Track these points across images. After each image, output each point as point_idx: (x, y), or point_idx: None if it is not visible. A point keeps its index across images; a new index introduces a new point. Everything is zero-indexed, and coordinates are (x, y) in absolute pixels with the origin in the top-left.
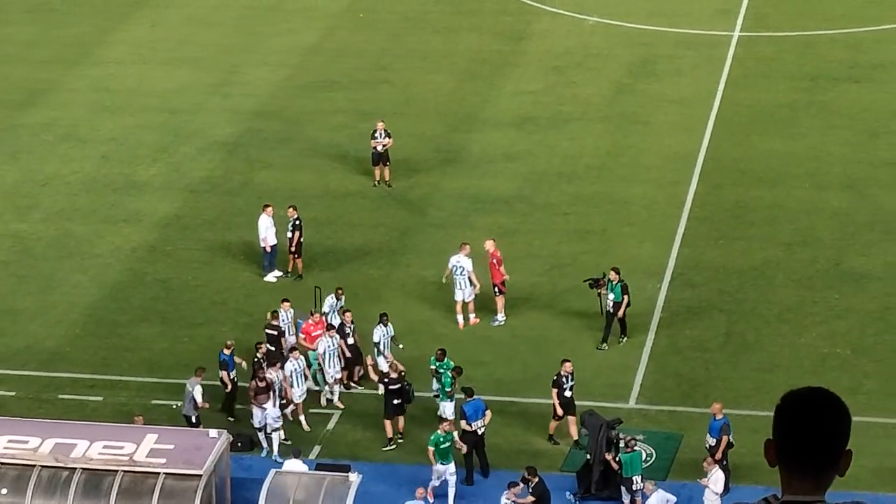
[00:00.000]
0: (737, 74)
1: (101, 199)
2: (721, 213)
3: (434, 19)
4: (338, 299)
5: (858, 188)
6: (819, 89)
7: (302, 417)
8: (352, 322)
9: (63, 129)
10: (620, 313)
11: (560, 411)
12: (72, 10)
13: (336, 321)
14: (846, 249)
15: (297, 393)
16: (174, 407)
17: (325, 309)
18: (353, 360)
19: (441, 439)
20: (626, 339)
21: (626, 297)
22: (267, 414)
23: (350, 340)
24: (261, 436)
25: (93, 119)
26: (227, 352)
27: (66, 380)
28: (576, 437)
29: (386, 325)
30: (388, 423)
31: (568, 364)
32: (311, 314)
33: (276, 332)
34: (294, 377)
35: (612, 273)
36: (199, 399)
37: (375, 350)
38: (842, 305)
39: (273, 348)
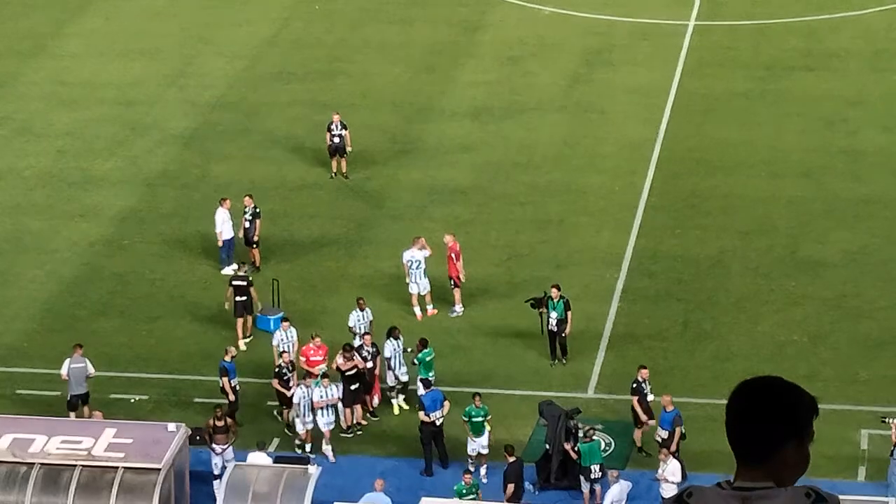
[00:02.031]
0: (692, 63)
1: (57, 194)
2: (678, 203)
3: (390, 10)
4: (361, 310)
5: (814, 177)
6: (774, 78)
7: (327, 447)
8: (372, 345)
9: (18, 123)
10: (567, 331)
11: (644, 417)
12: (25, 2)
13: (360, 340)
14: (802, 238)
15: (309, 422)
16: (132, 401)
17: (350, 324)
18: (367, 388)
19: (474, 412)
20: (566, 360)
21: (569, 312)
22: (223, 457)
23: (369, 365)
24: (216, 485)
25: (48, 113)
26: (227, 358)
27: (24, 375)
28: (639, 444)
29: (397, 339)
30: (347, 411)
31: (644, 370)
32: (313, 338)
33: (244, 283)
34: (302, 406)
35: (553, 290)
36: (91, 371)
37: (386, 364)
38: (798, 293)
39: (243, 298)
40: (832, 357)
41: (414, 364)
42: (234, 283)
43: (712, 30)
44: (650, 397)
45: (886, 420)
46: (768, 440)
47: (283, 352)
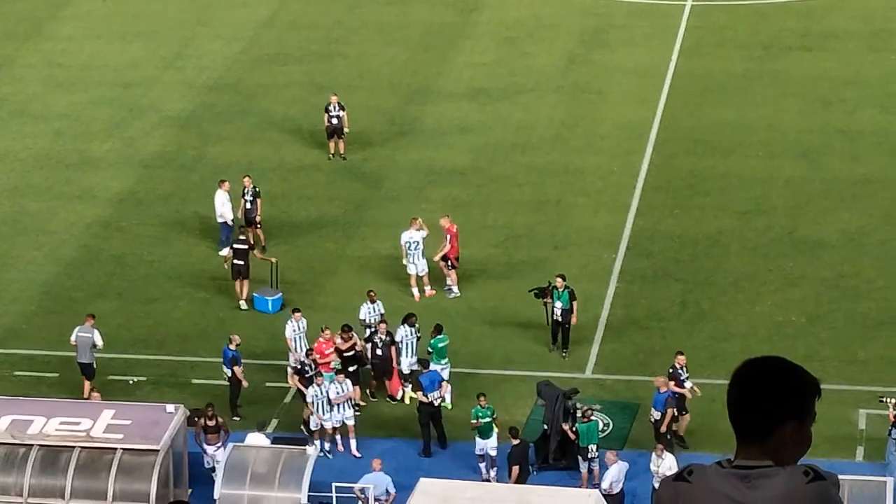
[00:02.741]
0: (690, 44)
1: (55, 176)
2: (675, 183)
3: None
4: (372, 302)
5: (812, 157)
6: (772, 58)
7: (352, 441)
8: (387, 334)
9: (15, 105)
10: (573, 320)
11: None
12: None
13: (374, 330)
14: (800, 218)
15: (327, 419)
16: (130, 382)
17: (361, 316)
18: (378, 374)
19: (481, 413)
20: (566, 353)
21: (574, 302)
22: (214, 457)
23: (379, 352)
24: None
25: (46, 95)
26: (232, 347)
27: (23, 356)
28: (682, 433)
29: (413, 326)
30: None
31: (681, 357)
32: (323, 331)
33: (244, 247)
34: (317, 404)
35: (559, 280)
36: (99, 342)
37: (419, 364)
38: (796, 273)
39: (241, 262)
40: (830, 337)
41: (428, 352)
42: (235, 245)
43: (710, 10)
44: (687, 384)
45: (884, 399)
46: (769, 419)
47: (310, 349)
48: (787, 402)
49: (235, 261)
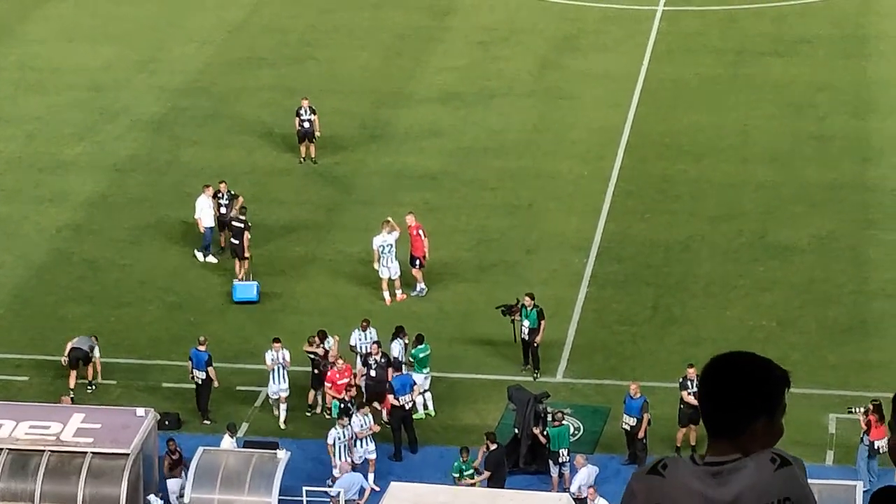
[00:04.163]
0: (661, 49)
1: (26, 179)
2: (647, 188)
3: None
4: (364, 330)
5: (783, 161)
6: (743, 63)
7: (370, 475)
8: (382, 356)
9: None
10: (538, 339)
11: (689, 407)
12: None
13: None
14: (771, 222)
15: (348, 461)
16: (88, 389)
17: (352, 343)
18: (371, 396)
19: (465, 467)
20: (538, 373)
21: (542, 322)
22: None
23: (373, 373)
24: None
25: (17, 98)
26: (202, 348)
27: None
28: (693, 443)
29: (403, 338)
30: (311, 391)
31: (691, 370)
32: (336, 361)
33: (242, 226)
34: (338, 447)
35: (527, 298)
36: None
37: (395, 364)
38: (767, 278)
39: (236, 241)
40: (801, 341)
41: (410, 363)
42: (233, 223)
43: (681, 15)
44: (692, 399)
45: (852, 409)
46: (739, 416)
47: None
48: (756, 398)
49: (232, 239)
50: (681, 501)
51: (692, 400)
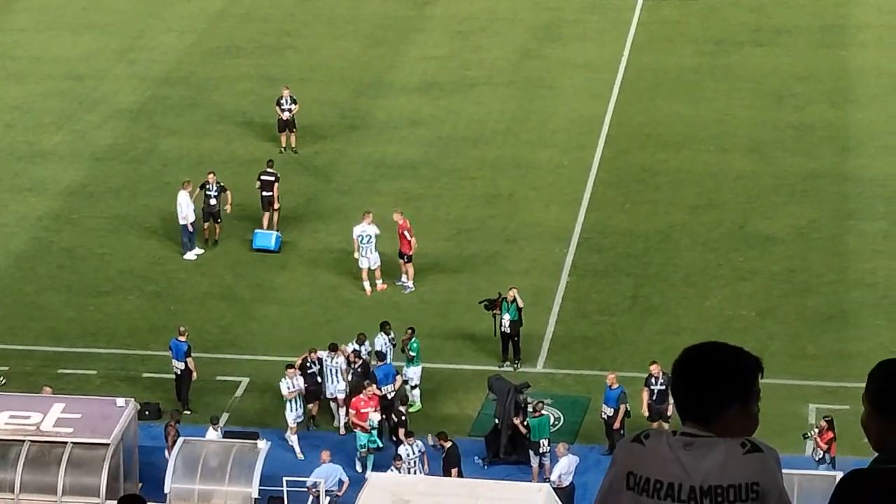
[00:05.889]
0: (642, 39)
1: (5, 168)
2: (627, 177)
3: None
4: (360, 344)
5: (763, 151)
6: (723, 53)
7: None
8: (360, 364)
9: None
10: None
11: (646, 413)
12: None
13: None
14: (751, 212)
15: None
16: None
17: (377, 347)
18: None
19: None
20: (519, 363)
21: (520, 312)
22: None
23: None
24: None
25: None
26: (182, 339)
27: None
28: None
29: (388, 334)
30: (310, 406)
31: (654, 366)
32: (365, 387)
33: (272, 178)
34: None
35: (511, 292)
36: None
37: (377, 357)
38: (747, 268)
39: (269, 193)
40: (780, 331)
41: (404, 352)
42: (262, 177)
43: (661, 5)
44: (654, 396)
45: (808, 434)
46: (711, 405)
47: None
48: (727, 386)
49: (263, 192)
50: (657, 467)
51: (646, 399)
